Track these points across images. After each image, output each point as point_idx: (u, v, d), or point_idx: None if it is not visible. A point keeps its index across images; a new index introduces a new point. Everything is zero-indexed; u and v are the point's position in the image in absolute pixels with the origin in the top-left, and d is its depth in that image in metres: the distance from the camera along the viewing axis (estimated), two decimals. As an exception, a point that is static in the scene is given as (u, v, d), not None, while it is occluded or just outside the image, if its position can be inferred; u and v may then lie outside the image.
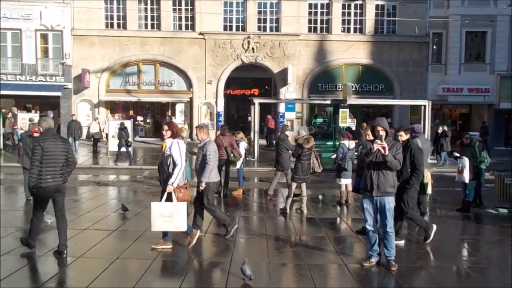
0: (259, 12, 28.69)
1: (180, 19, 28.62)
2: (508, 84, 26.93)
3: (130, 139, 20.18)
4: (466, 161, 10.78)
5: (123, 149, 19.73)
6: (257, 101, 21.78)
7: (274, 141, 26.03)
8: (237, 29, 28.73)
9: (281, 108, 28.65)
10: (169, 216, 7.39)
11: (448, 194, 13.21)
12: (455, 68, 28.83)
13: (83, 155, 21.80)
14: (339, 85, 28.60)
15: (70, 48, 27.89)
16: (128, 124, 21.25)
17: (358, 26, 29.00)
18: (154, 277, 6.53)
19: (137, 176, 16.69)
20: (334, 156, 12.36)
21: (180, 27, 28.66)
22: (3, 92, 25.80)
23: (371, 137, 7.23)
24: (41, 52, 28.08)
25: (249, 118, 26.63)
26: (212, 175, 8.28)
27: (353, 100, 23.89)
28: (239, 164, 13.00)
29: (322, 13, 28.90)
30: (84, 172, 17.80)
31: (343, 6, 28.80)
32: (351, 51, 28.48)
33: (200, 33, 28.12)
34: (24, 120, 22.35)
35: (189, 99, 28.74)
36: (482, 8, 28.15)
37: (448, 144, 20.61)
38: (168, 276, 6.73)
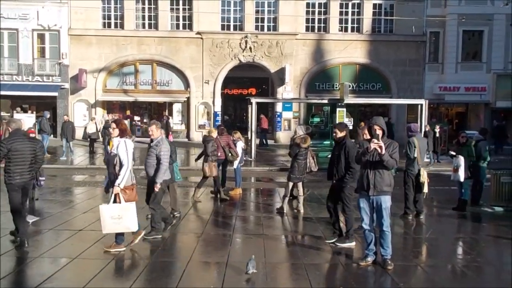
0: (257, 12, 28.70)
1: (177, 18, 28.61)
2: (505, 83, 27.01)
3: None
4: (461, 160, 10.81)
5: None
6: (254, 100, 21.77)
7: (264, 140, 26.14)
8: (235, 28, 28.74)
9: (278, 107, 28.68)
10: (119, 217, 7.34)
11: (444, 193, 13.24)
12: (452, 67, 28.89)
13: (79, 156, 21.77)
14: (336, 85, 28.63)
15: (67, 48, 27.87)
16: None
17: (355, 25, 29.03)
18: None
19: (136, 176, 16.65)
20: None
21: (177, 26, 28.66)
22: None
23: (368, 136, 7.24)
24: (37, 52, 28.05)
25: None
26: (165, 174, 8.30)
27: (350, 100, 23.90)
28: (236, 163, 13.01)
29: (319, 12, 28.93)
30: (80, 172, 17.80)
31: (341, 5, 28.83)
32: (348, 50, 28.53)
33: (198, 33, 28.12)
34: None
35: (186, 99, 28.74)
36: (479, 7, 28.21)
37: (431, 144, 20.58)
38: (163, 275, 6.73)
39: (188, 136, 28.89)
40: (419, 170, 10.22)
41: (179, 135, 28.84)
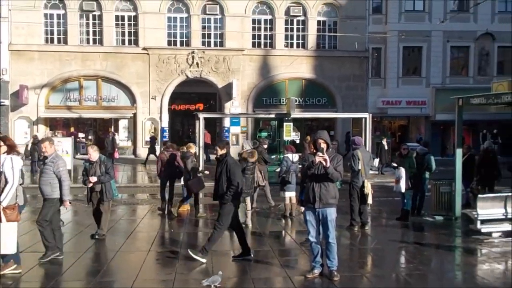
0: (203, 28, 28.76)
1: (123, 34, 28.27)
2: (443, 97, 28.07)
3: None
4: (402, 171, 11.16)
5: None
6: (201, 116, 21.68)
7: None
8: (181, 44, 28.68)
9: (226, 122, 28.70)
10: None
11: (389, 204, 13.62)
12: (394, 81, 29.87)
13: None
14: (283, 99, 28.99)
15: (7, 63, 26.93)
16: (69, 141, 20.62)
17: (301, 41, 29.58)
18: None
19: (78, 195, 16.19)
20: (279, 169, 12.50)
21: (123, 42, 28.31)
22: None
23: (314, 150, 7.37)
24: (-24, 68, 26.98)
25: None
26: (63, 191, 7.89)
27: (296, 114, 24.24)
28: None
29: (265, 29, 29.31)
30: (22, 191, 17.12)
31: (286, 22, 29.33)
32: (294, 66, 28.99)
33: (144, 48, 27.87)
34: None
35: (132, 115, 28.33)
36: (417, 24, 29.35)
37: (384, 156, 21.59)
38: None
39: (134, 152, 28.44)
40: (363, 182, 10.47)
41: (125, 152, 28.35)
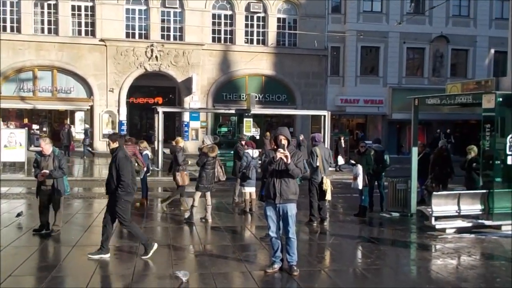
0: (163, 21, 28.43)
1: (79, 24, 27.63)
2: (399, 96, 28.78)
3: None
4: (359, 168, 11.37)
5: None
6: (161, 110, 21.52)
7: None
8: (140, 36, 28.27)
9: (186, 117, 28.52)
10: None
11: (347, 200, 13.84)
12: (352, 80, 30.38)
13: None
14: (243, 95, 29.02)
15: (-44, 51, 25.88)
16: (22, 133, 20.01)
17: (261, 37, 29.67)
18: None
19: (32, 188, 15.72)
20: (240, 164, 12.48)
21: (79, 32, 27.67)
22: None
23: (274, 146, 7.40)
24: None
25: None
26: None
27: (256, 110, 24.36)
28: (142, 174, 12.72)
29: (226, 24, 29.24)
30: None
31: (246, 18, 29.35)
32: (254, 62, 29.05)
33: (101, 40, 27.31)
34: None
35: (89, 107, 27.75)
36: (375, 24, 29.96)
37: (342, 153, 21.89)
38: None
39: (91, 145, 27.84)
40: (322, 178, 10.60)
41: (81, 145, 27.71)
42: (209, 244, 9.10)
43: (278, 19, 29.77)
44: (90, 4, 27.54)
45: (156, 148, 21.17)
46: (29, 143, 23.16)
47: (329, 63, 30.48)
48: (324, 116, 22.63)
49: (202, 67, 28.61)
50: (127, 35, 28.08)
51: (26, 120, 27.94)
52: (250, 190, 11.80)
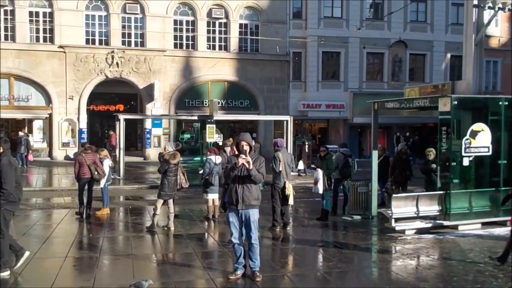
0: (123, 27, 28.11)
1: (37, 31, 27.03)
2: (360, 101, 29.19)
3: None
4: (320, 173, 11.50)
5: None
6: (122, 117, 21.20)
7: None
8: (100, 43, 27.85)
9: (148, 124, 28.23)
10: None
11: (310, 204, 13.95)
12: (314, 85, 30.68)
13: None
14: (205, 101, 28.95)
15: None
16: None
17: (223, 43, 29.68)
18: None
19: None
20: (202, 171, 12.44)
21: (37, 39, 27.06)
22: None
23: (234, 152, 7.40)
24: None
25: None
26: None
27: (219, 116, 24.30)
28: (103, 182, 12.51)
29: (187, 30, 29.14)
30: None
31: (208, 24, 29.31)
32: (217, 68, 29.03)
33: (60, 46, 26.77)
34: None
35: (48, 115, 27.13)
36: (336, 30, 30.38)
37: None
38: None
39: (50, 154, 27.24)
40: (284, 183, 10.66)
41: (40, 154, 27.09)
42: (171, 252, 9.02)
43: (240, 25, 29.86)
44: (48, 10, 26.99)
45: (118, 156, 20.86)
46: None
47: (291, 68, 30.71)
48: (287, 121, 22.75)
49: (164, 73, 28.40)
50: (87, 41, 27.62)
51: (-18, 129, 27.09)
52: (213, 197, 11.75)
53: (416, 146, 27.34)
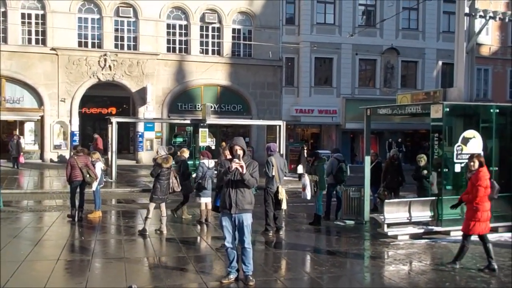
0: (116, 30, 28.05)
1: (29, 32, 26.90)
2: (352, 107, 29.30)
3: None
4: (307, 179, 11.55)
5: None
6: (114, 120, 21.16)
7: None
8: (93, 46, 27.76)
9: (140, 127, 28.15)
10: None
11: (303, 209, 13.97)
12: (306, 90, 30.75)
13: None
14: (198, 105, 28.93)
15: None
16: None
17: (216, 48, 29.70)
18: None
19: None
20: (194, 175, 12.44)
21: (29, 41, 26.94)
22: None
23: (230, 156, 7.41)
24: None
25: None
26: None
27: (212, 120, 24.31)
28: (95, 185, 12.47)
29: (180, 34, 29.13)
30: None
31: (201, 28, 29.33)
32: (209, 72, 29.03)
33: (52, 49, 26.67)
34: None
35: (40, 118, 26.98)
36: (328, 36, 30.50)
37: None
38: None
39: (41, 157, 27.09)
40: (277, 188, 10.68)
41: (31, 156, 26.92)
42: (164, 256, 9.00)
43: (233, 29, 29.90)
44: (41, 12, 26.90)
45: (110, 159, 20.79)
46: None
47: (283, 73, 30.77)
48: (279, 126, 22.82)
49: (157, 77, 28.36)
50: (80, 44, 27.53)
51: (-28, 131, 26.90)
52: (205, 201, 11.75)
53: (408, 152, 27.49)
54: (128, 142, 31.29)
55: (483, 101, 29.25)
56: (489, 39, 32.61)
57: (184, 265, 8.21)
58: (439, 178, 10.85)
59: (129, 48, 28.30)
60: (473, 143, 10.66)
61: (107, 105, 30.36)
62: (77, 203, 12.02)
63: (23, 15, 26.73)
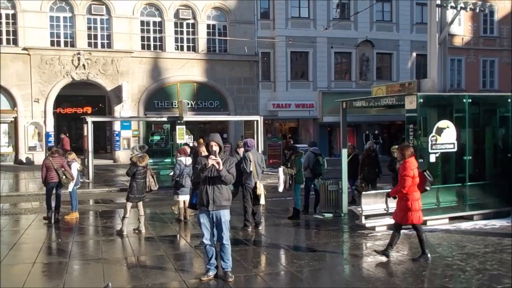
0: (89, 28, 27.68)
1: (0, 33, 26.38)
2: (329, 100, 29.43)
3: None
4: (280, 172, 11.63)
5: None
6: (90, 119, 20.92)
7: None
8: (66, 44, 27.36)
9: (117, 126, 27.87)
10: None
11: (281, 204, 14.02)
12: (283, 85, 30.82)
13: None
14: (175, 102, 28.76)
15: None
16: None
17: (191, 44, 29.53)
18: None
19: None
20: (172, 173, 12.37)
21: (0, 41, 26.41)
22: None
23: (206, 153, 7.38)
24: None
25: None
26: None
27: (189, 117, 24.18)
28: (71, 186, 12.31)
29: (155, 31, 28.89)
30: None
31: (175, 25, 29.13)
32: (185, 69, 28.87)
33: (24, 48, 26.20)
34: None
35: (13, 119, 26.52)
36: (303, 30, 30.58)
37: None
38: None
39: (16, 159, 26.65)
40: (255, 183, 10.69)
41: (6, 159, 26.46)
42: (143, 255, 8.93)
43: (208, 25, 29.76)
44: (11, 12, 26.38)
45: (86, 159, 20.55)
46: None
47: (260, 68, 30.77)
48: (257, 121, 22.83)
49: (132, 74, 28.10)
50: (52, 43, 27.10)
51: None
52: (184, 198, 11.68)
53: (385, 144, 27.76)
54: (105, 142, 30.98)
55: (457, 91, 29.73)
56: (461, 30, 33.07)
57: (163, 263, 8.17)
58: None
59: (102, 46, 27.96)
60: (447, 133, 10.80)
61: (82, 104, 30.01)
62: (53, 205, 11.84)
63: (-8, 15, 26.20)
